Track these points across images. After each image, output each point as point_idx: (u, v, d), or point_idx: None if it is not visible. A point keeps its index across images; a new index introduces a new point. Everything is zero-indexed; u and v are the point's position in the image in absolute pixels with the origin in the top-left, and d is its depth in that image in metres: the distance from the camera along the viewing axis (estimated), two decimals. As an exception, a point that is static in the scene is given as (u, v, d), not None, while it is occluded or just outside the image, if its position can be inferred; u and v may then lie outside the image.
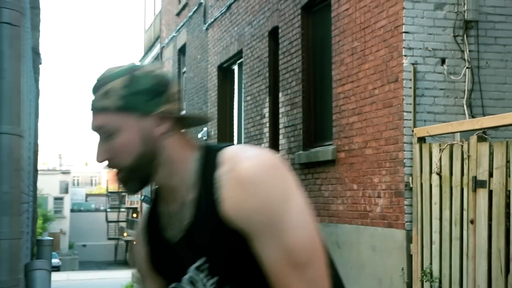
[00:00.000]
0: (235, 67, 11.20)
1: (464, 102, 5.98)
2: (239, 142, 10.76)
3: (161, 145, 1.41)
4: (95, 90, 1.41)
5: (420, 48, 5.96)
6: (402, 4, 5.96)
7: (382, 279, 6.12)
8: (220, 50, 11.50)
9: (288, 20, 8.55)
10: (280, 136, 8.70)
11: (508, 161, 4.56)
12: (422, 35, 5.97)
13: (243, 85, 10.43)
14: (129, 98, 1.38)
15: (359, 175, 6.65)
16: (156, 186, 1.50)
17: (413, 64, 5.91)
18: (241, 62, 10.69)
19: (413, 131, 5.75)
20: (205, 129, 12.13)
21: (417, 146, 5.63)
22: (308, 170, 7.82)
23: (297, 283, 1.32)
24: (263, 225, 1.32)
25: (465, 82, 5.99)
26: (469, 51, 6.02)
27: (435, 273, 5.33)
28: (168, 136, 1.41)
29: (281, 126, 8.70)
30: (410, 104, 5.87)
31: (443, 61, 6.01)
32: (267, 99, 9.31)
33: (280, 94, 8.75)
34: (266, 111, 9.35)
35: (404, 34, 5.93)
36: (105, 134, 1.39)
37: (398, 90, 5.99)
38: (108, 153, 1.40)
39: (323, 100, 7.78)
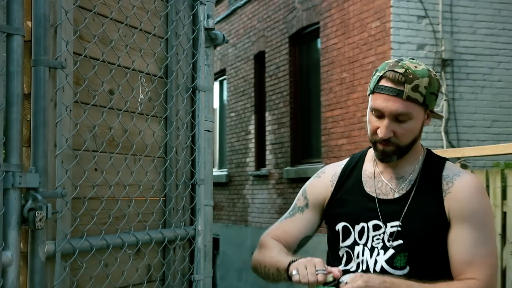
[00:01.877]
0: (215, 84, 11.94)
1: (442, 130, 6.95)
2: (221, 153, 11.54)
3: (420, 135, 1.90)
4: (406, 81, 1.80)
5: (405, 83, 6.88)
6: (390, 44, 6.88)
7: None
8: (201, 67, 12.22)
9: (275, 47, 9.37)
10: (267, 152, 9.52)
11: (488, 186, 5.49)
12: (406, 72, 6.89)
13: (226, 101, 11.19)
14: (428, 96, 1.82)
15: (348, 191, 7.52)
16: (362, 153, 2.04)
17: (399, 97, 6.82)
18: (223, 79, 11.46)
19: (399, 155, 6.65)
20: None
21: (404, 169, 6.52)
22: (296, 184, 8.66)
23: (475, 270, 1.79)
24: (470, 223, 1.81)
25: (442, 112, 6.95)
26: (446, 85, 6.99)
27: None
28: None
29: (267, 142, 9.52)
30: (397, 131, 6.78)
31: (424, 94, 6.95)
32: (253, 117, 10.11)
33: (267, 114, 9.57)
34: (251, 128, 10.15)
35: (391, 70, 6.84)
36: (400, 118, 1.81)
37: (386, 119, 6.89)
38: (394, 132, 1.82)
39: (311, 122, 8.65)
